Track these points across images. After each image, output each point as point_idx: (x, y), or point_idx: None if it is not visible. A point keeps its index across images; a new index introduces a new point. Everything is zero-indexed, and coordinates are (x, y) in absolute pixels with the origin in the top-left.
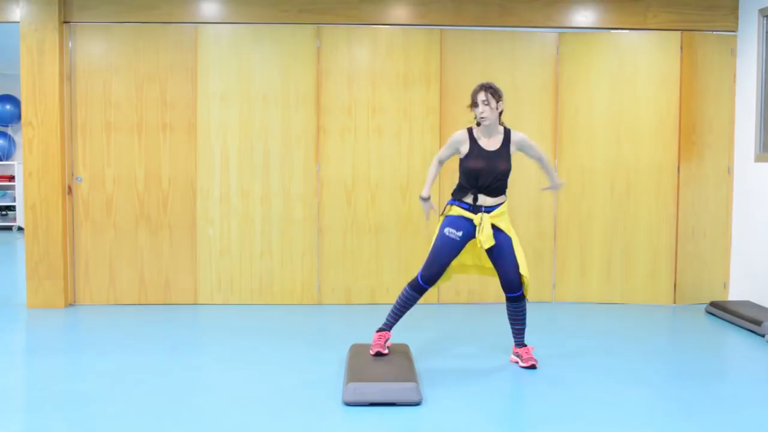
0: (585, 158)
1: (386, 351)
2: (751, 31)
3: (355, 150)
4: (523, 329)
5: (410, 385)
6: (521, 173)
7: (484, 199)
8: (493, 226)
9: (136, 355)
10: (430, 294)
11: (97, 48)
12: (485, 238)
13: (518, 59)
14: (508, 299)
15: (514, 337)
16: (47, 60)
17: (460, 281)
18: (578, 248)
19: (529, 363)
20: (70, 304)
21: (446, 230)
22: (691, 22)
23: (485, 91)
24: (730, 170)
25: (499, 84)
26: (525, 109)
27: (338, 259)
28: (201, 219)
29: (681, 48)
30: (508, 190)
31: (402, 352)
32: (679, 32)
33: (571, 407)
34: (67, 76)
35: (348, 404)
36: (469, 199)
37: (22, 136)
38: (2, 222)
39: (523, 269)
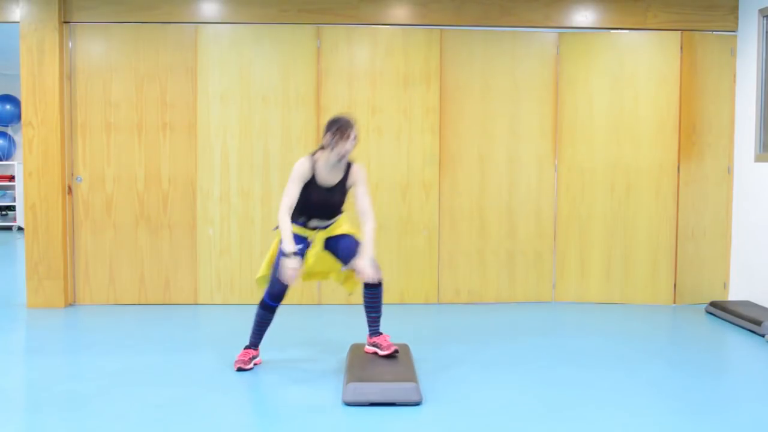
0: (585, 158)
1: (249, 367)
2: (751, 31)
3: (355, 150)
4: (379, 317)
5: (410, 385)
6: (521, 173)
7: (316, 222)
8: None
9: (136, 355)
10: (430, 294)
11: (97, 48)
12: (312, 257)
13: (518, 59)
14: (364, 285)
15: (369, 326)
16: (47, 60)
17: (460, 281)
18: (578, 248)
19: (391, 350)
20: (70, 304)
21: (284, 249)
22: (691, 22)
23: (355, 129)
24: (730, 170)
25: (498, 84)
26: (525, 109)
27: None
28: (201, 219)
29: (681, 48)
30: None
31: (402, 352)
32: (679, 32)
33: (571, 407)
34: (67, 76)
35: (348, 404)
36: (302, 220)
37: (22, 136)
38: (2, 222)
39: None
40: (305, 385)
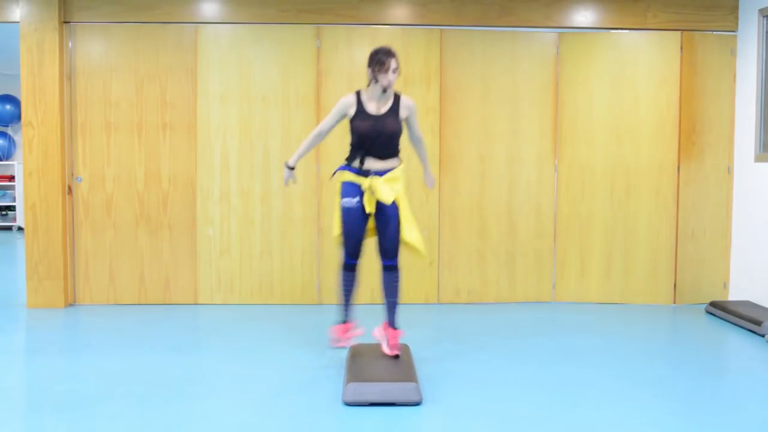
0: (585, 158)
1: (347, 344)
2: (751, 31)
3: None
4: (396, 305)
5: (410, 385)
6: (521, 173)
7: (371, 163)
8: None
9: (136, 355)
10: (430, 294)
11: (97, 48)
12: (384, 197)
13: (518, 59)
14: (383, 268)
15: (386, 314)
16: (47, 60)
17: (460, 281)
18: (578, 248)
19: (393, 352)
20: (70, 304)
21: (343, 201)
22: (691, 22)
23: (396, 59)
24: (730, 170)
25: (498, 84)
26: (525, 109)
27: (338, 259)
28: (201, 219)
29: (681, 48)
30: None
31: (402, 352)
32: (679, 32)
33: (571, 407)
34: (67, 76)
35: (348, 404)
36: (356, 164)
37: (22, 136)
38: (2, 222)
39: (408, 235)
40: (305, 385)
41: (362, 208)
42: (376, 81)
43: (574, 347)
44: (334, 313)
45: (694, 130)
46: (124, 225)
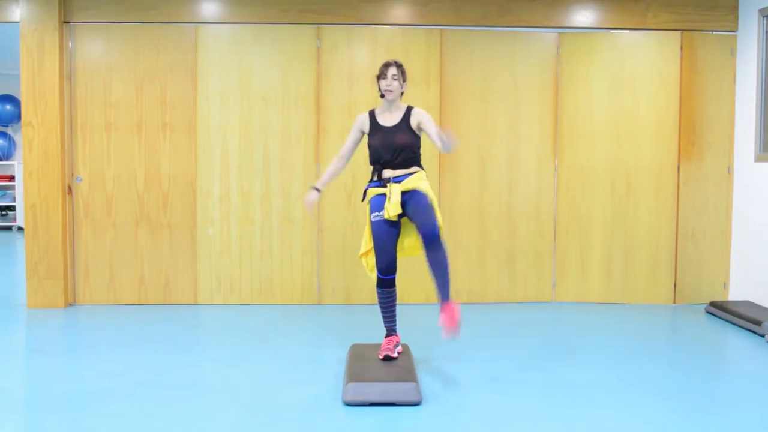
0: (585, 158)
1: (395, 355)
2: (751, 31)
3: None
4: (447, 281)
5: (410, 385)
6: (521, 173)
7: (387, 173)
8: (407, 192)
9: (136, 355)
10: (430, 294)
11: (97, 48)
12: (391, 207)
13: (518, 59)
14: (427, 249)
15: (440, 292)
16: (47, 60)
17: (460, 281)
18: (578, 248)
19: (451, 330)
20: (70, 304)
21: (373, 215)
22: (691, 22)
23: (397, 67)
24: (730, 170)
25: (498, 84)
26: (525, 109)
27: (338, 259)
28: (201, 219)
29: (681, 48)
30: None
31: (402, 352)
32: (679, 32)
33: (571, 407)
34: (67, 76)
35: (348, 404)
36: (376, 177)
37: (22, 136)
38: (2, 222)
39: (439, 220)
40: (305, 385)
41: (390, 220)
42: (380, 89)
43: (574, 347)
44: (334, 313)
45: (694, 130)
46: (124, 225)
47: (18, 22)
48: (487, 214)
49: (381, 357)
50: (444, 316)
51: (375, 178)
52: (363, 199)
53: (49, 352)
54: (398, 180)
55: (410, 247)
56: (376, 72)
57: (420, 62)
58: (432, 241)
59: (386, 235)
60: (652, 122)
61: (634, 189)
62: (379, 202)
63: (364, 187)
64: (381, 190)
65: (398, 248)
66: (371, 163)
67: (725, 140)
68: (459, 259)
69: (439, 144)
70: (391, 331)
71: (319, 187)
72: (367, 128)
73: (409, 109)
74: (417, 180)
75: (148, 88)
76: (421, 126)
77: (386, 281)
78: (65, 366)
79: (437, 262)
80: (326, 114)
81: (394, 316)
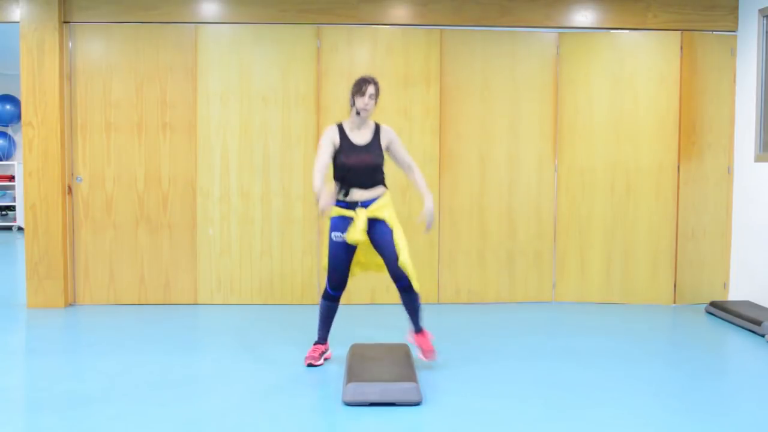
0: (585, 158)
1: (320, 363)
2: (751, 31)
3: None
4: (418, 315)
5: (410, 385)
6: (521, 173)
7: (357, 194)
8: (373, 219)
9: (136, 355)
10: (430, 294)
11: (97, 48)
12: (357, 233)
13: (518, 59)
14: (398, 289)
15: (412, 323)
16: (47, 60)
17: (460, 281)
18: (578, 248)
19: (429, 358)
20: (70, 304)
21: (332, 235)
22: (691, 22)
23: (375, 85)
24: (730, 170)
25: (498, 84)
26: (525, 109)
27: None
28: (201, 219)
29: (681, 48)
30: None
31: (402, 352)
32: (679, 32)
33: (571, 407)
34: (67, 76)
35: (348, 404)
36: (341, 196)
37: (22, 136)
38: (2, 222)
39: (403, 257)
40: (305, 385)
41: (347, 243)
42: (353, 105)
43: (574, 347)
44: None
45: (694, 130)
46: (124, 225)
47: (18, 22)
48: (487, 214)
49: (306, 364)
50: (420, 347)
51: (341, 197)
52: (322, 215)
53: (49, 352)
54: (365, 205)
55: (377, 265)
56: (353, 86)
57: (420, 62)
58: (402, 285)
59: (344, 255)
60: (652, 122)
61: (634, 189)
62: (341, 225)
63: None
64: (346, 213)
65: (357, 263)
66: (336, 179)
67: (725, 140)
68: (459, 259)
69: (403, 166)
70: (322, 339)
71: (318, 184)
72: (337, 143)
73: (377, 128)
74: (383, 207)
75: (148, 88)
76: (390, 147)
77: (334, 297)
78: (65, 366)
79: (409, 304)
80: (326, 114)
81: (330, 327)
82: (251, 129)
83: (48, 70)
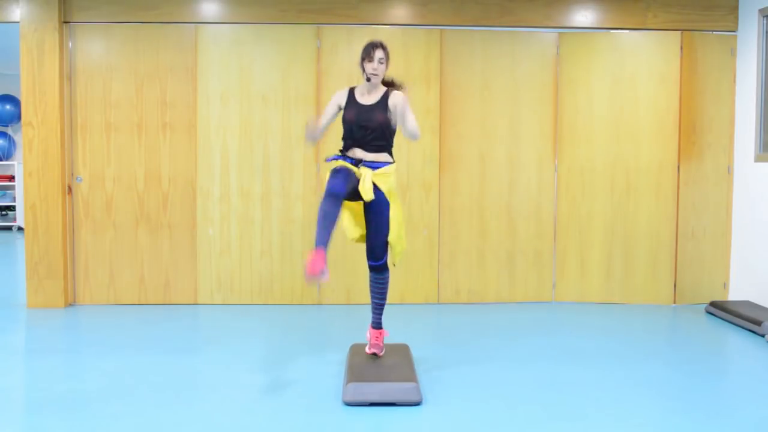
0: (585, 158)
1: (323, 271)
2: (751, 31)
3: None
4: (383, 306)
5: (410, 385)
6: (521, 173)
7: (362, 154)
8: (374, 186)
9: (136, 355)
10: (430, 294)
11: (97, 48)
12: (366, 191)
13: (518, 59)
14: (370, 268)
15: (372, 314)
16: (47, 60)
17: (460, 281)
18: (578, 248)
19: (371, 351)
20: (70, 304)
21: (335, 166)
22: (691, 22)
23: (384, 50)
24: (730, 170)
25: (499, 84)
26: (525, 109)
27: (338, 259)
28: (201, 219)
29: (681, 48)
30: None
31: (402, 352)
32: (679, 32)
33: (571, 407)
34: (67, 76)
35: (348, 404)
36: (349, 153)
37: (22, 136)
38: (2, 222)
39: (393, 237)
40: (305, 385)
41: (349, 170)
42: (363, 71)
43: (574, 347)
44: (334, 313)
45: (694, 130)
46: (124, 225)
47: (18, 22)
48: (487, 214)
49: (307, 273)
50: (370, 340)
51: (348, 154)
52: (326, 161)
53: (49, 352)
54: (372, 166)
55: (361, 237)
56: (362, 51)
57: (420, 62)
58: (375, 264)
59: (342, 174)
60: (652, 122)
61: (634, 189)
62: (342, 168)
63: (333, 156)
64: (351, 166)
65: (356, 234)
66: (345, 137)
67: (725, 140)
68: (459, 259)
69: (405, 133)
70: (322, 244)
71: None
72: (343, 103)
73: (387, 92)
74: (386, 178)
75: (148, 88)
76: (396, 110)
77: (337, 194)
78: (65, 366)
79: (377, 284)
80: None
81: (331, 231)
82: (251, 129)
83: (48, 70)
